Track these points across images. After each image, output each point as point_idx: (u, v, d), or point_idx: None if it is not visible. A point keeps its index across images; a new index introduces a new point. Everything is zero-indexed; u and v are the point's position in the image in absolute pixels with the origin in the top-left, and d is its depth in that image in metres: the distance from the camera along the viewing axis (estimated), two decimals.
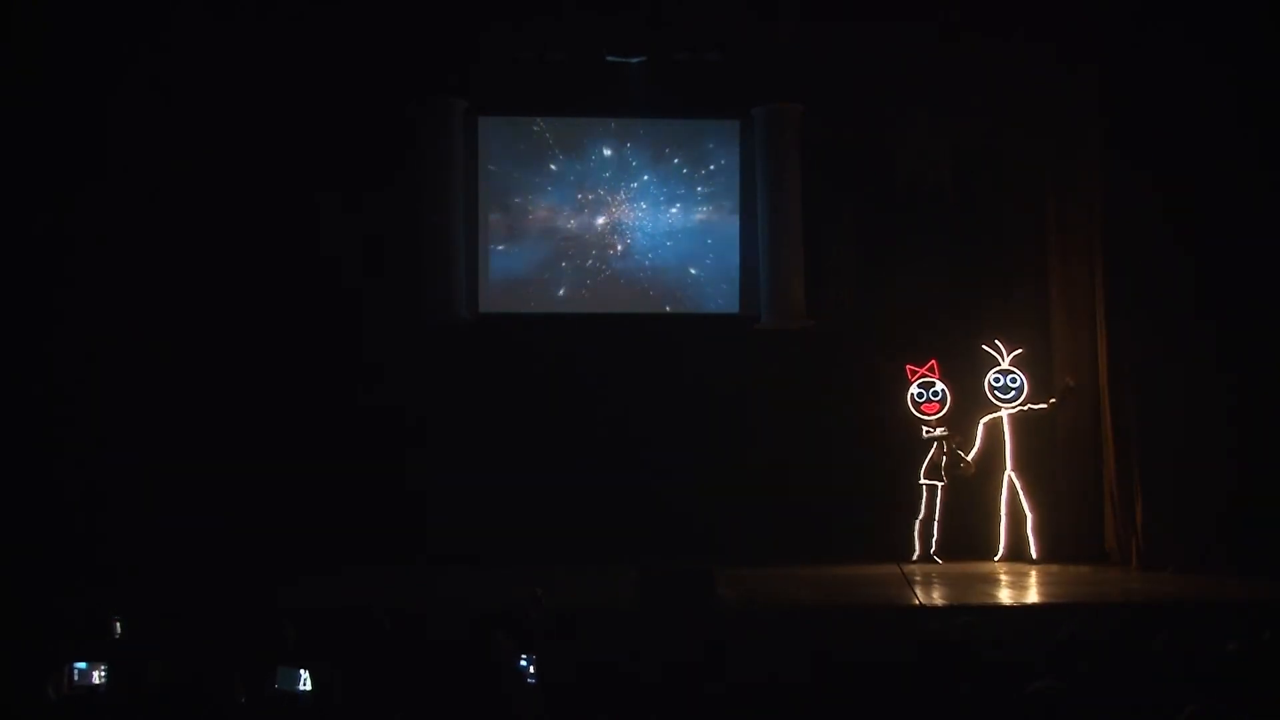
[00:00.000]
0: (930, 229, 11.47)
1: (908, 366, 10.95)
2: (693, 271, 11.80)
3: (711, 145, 11.90)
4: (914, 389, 10.91)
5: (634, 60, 11.40)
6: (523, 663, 5.49)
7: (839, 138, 11.52)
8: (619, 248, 11.76)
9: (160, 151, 10.30)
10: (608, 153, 11.79)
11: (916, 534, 10.86)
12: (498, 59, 11.09)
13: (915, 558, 10.75)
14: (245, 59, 10.40)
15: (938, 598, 8.82)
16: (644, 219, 11.77)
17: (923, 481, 10.85)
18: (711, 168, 11.88)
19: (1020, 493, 10.85)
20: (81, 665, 5.08)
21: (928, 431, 10.88)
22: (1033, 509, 10.81)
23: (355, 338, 11.09)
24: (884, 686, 5.04)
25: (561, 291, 11.73)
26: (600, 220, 11.75)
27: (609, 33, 11.05)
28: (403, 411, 11.09)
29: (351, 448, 10.94)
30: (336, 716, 4.95)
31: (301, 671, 5.00)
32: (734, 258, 11.81)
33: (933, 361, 10.92)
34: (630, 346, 11.50)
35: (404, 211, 11.22)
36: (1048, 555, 10.76)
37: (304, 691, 4.98)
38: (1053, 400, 10.89)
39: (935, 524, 10.84)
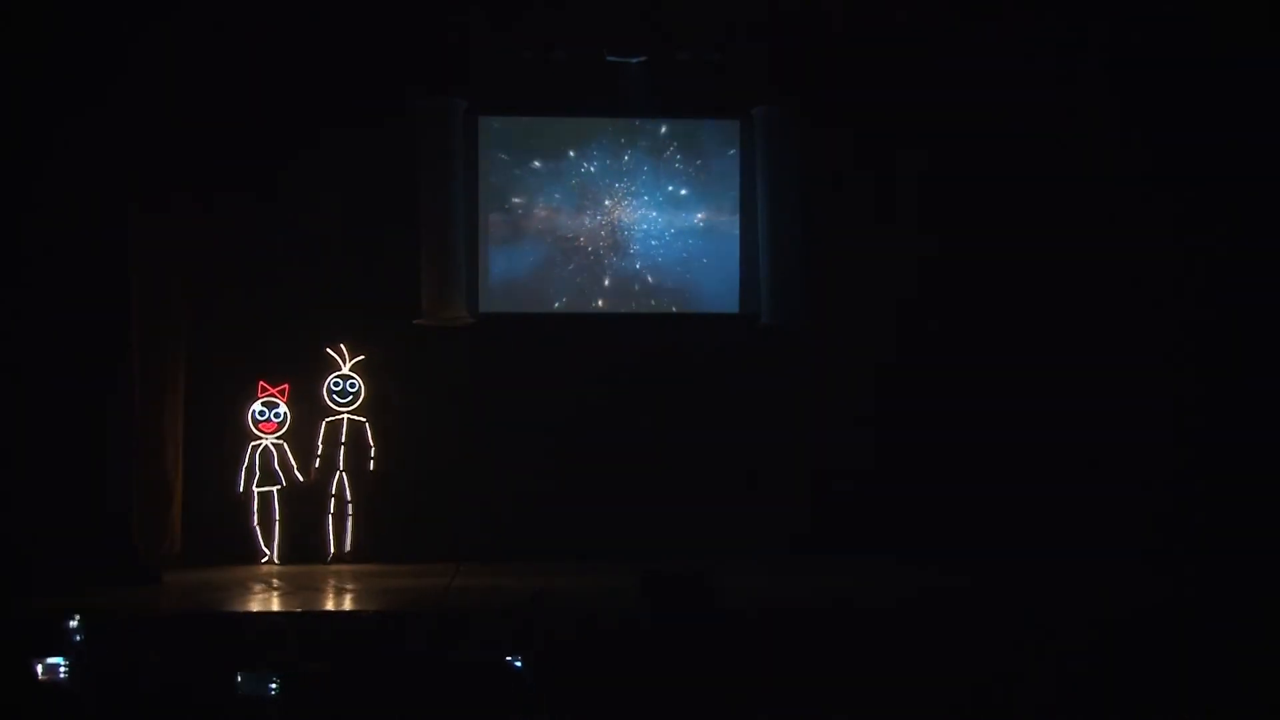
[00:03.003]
0: (929, 229, 11.44)
1: (260, 383, 10.76)
2: (693, 271, 11.78)
3: (711, 145, 11.88)
4: (257, 406, 10.73)
5: (634, 60, 11.38)
6: (520, 663, 5.48)
7: (839, 138, 11.49)
8: (619, 248, 11.73)
9: (158, 150, 10.27)
10: (608, 153, 11.77)
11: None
12: (498, 58, 11.07)
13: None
14: (244, 56, 10.38)
15: None
16: (644, 219, 11.75)
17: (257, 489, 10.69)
18: (711, 168, 11.85)
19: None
20: (52, 661, 5.07)
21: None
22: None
23: (354, 338, 11.08)
24: None
25: (562, 291, 11.71)
26: (600, 220, 11.72)
27: (609, 33, 11.02)
28: (402, 411, 11.08)
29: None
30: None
31: (267, 677, 4.98)
32: (734, 258, 11.79)
33: (285, 385, 10.80)
34: (630, 346, 11.49)
35: (404, 211, 11.19)
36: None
37: (271, 697, 4.96)
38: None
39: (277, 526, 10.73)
